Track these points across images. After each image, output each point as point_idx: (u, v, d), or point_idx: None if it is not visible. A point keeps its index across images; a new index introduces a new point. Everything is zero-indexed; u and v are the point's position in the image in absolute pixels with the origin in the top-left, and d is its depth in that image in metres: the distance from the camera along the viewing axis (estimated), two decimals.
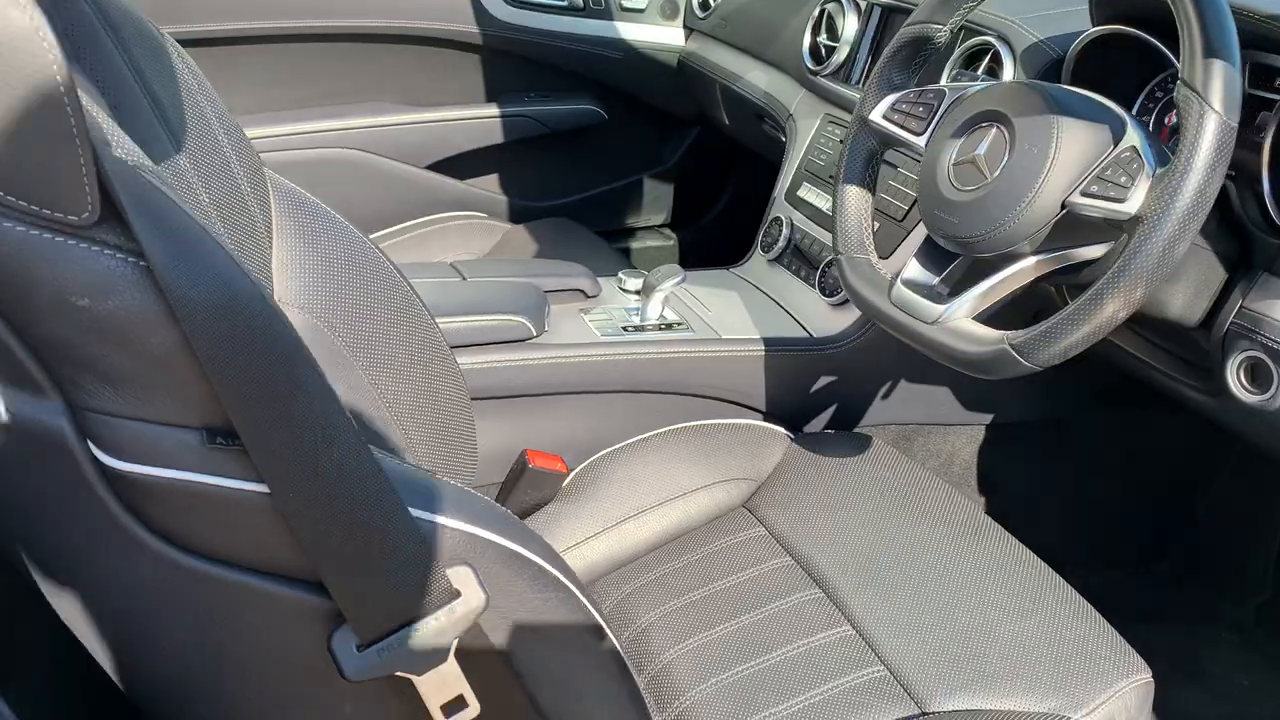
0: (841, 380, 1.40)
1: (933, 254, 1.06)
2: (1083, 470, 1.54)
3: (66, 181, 0.46)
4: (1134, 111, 1.22)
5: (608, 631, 0.72)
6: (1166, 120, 1.19)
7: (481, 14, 1.96)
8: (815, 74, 1.58)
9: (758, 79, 1.80)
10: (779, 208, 1.57)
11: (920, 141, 1.07)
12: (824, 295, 1.40)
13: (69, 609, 0.61)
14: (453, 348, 1.16)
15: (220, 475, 0.53)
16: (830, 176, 1.49)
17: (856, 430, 1.45)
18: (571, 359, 1.28)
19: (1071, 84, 1.20)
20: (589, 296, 1.41)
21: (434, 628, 0.62)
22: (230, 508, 0.54)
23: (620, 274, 1.46)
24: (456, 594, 0.62)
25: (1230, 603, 1.58)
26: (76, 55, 0.79)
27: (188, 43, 1.82)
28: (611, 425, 1.33)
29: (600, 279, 1.46)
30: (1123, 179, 0.88)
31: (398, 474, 0.60)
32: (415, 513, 0.59)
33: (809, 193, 1.52)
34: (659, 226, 2.34)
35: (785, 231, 1.52)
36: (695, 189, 2.32)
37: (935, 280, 1.05)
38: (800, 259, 1.49)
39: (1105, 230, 0.93)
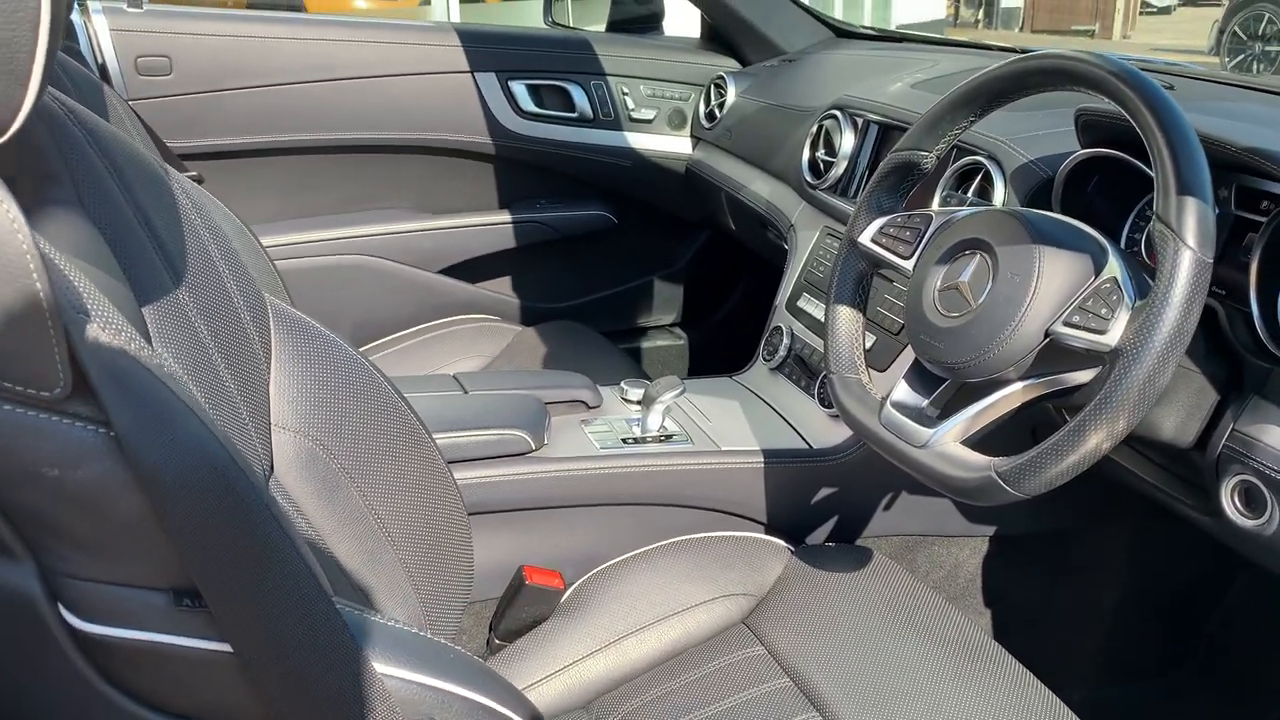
0: (842, 491, 1.40)
1: (922, 376, 1.07)
2: (1091, 581, 1.52)
3: (38, 360, 0.48)
4: (1125, 231, 1.24)
5: None
6: (1149, 234, 1.20)
7: (494, 126, 2.02)
8: (814, 187, 1.61)
9: (761, 189, 1.84)
10: (780, 317, 1.59)
11: (907, 265, 1.09)
12: (823, 406, 1.41)
13: None
14: (451, 463, 1.18)
15: (188, 636, 0.54)
16: (828, 288, 1.51)
17: (858, 542, 1.44)
18: (570, 472, 1.29)
19: (1062, 204, 1.23)
20: (590, 407, 1.42)
21: None
22: (198, 667, 0.55)
23: (622, 383, 1.47)
24: None
25: (1251, 716, 1.54)
26: (81, 200, 0.83)
27: (208, 155, 1.90)
28: (611, 538, 1.33)
29: (603, 388, 1.48)
30: (1103, 310, 0.89)
31: (367, 630, 0.60)
32: (382, 669, 0.60)
33: (808, 303, 1.54)
34: (669, 326, 2.37)
35: (786, 341, 1.53)
36: (705, 289, 2.35)
37: (924, 402, 1.06)
38: (801, 368, 1.50)
39: (1089, 357, 0.94)
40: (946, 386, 1.06)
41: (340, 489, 1.04)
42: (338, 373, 1.07)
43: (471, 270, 2.13)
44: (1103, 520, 1.48)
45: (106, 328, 0.58)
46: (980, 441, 1.01)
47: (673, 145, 2.14)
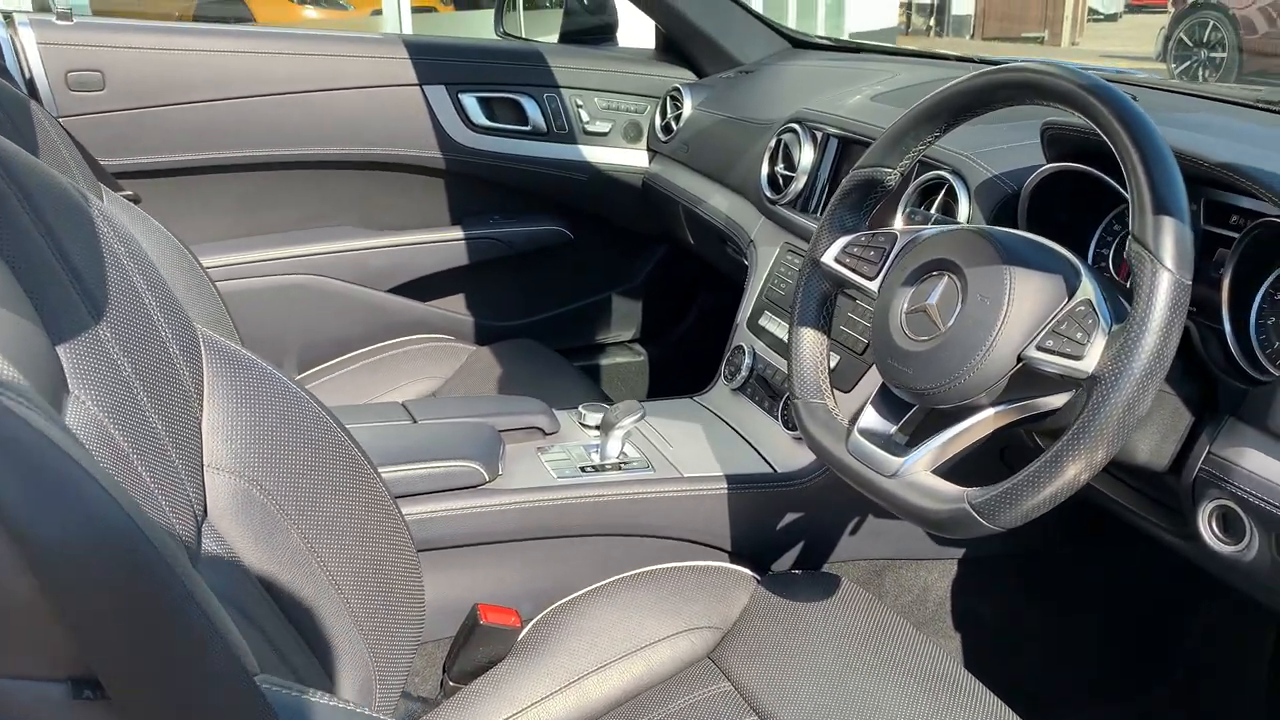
0: (808, 516, 1.36)
1: (889, 402, 1.03)
2: (1062, 603, 1.49)
3: None
4: (1093, 245, 1.22)
5: None
6: (1125, 256, 1.18)
7: (445, 140, 1.97)
8: (774, 203, 1.58)
9: (720, 203, 1.80)
10: (741, 335, 1.55)
11: (873, 286, 1.05)
12: (787, 429, 1.37)
13: None
14: (399, 497, 1.12)
15: None
16: (791, 306, 1.47)
17: (825, 568, 1.40)
18: (525, 504, 1.24)
19: (1028, 219, 1.20)
20: (547, 434, 1.37)
21: None
22: None
23: (580, 408, 1.42)
24: None
25: None
26: None
27: (145, 174, 1.83)
28: (570, 571, 1.28)
29: (560, 413, 1.43)
30: (1078, 335, 0.86)
31: (300, 713, 0.55)
32: None
33: (770, 322, 1.50)
34: (628, 342, 2.32)
35: (748, 361, 1.49)
36: (663, 304, 2.31)
37: (893, 429, 1.02)
38: (763, 389, 1.46)
39: (1064, 382, 0.91)
40: (915, 412, 1.02)
41: (280, 532, 0.98)
42: (275, 407, 1.01)
43: (423, 289, 2.07)
44: (1073, 541, 1.45)
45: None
46: (948, 475, 0.97)
47: (629, 158, 2.09)
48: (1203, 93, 1.41)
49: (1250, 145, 1.08)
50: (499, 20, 2.31)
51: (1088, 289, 0.89)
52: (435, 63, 1.94)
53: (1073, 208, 1.20)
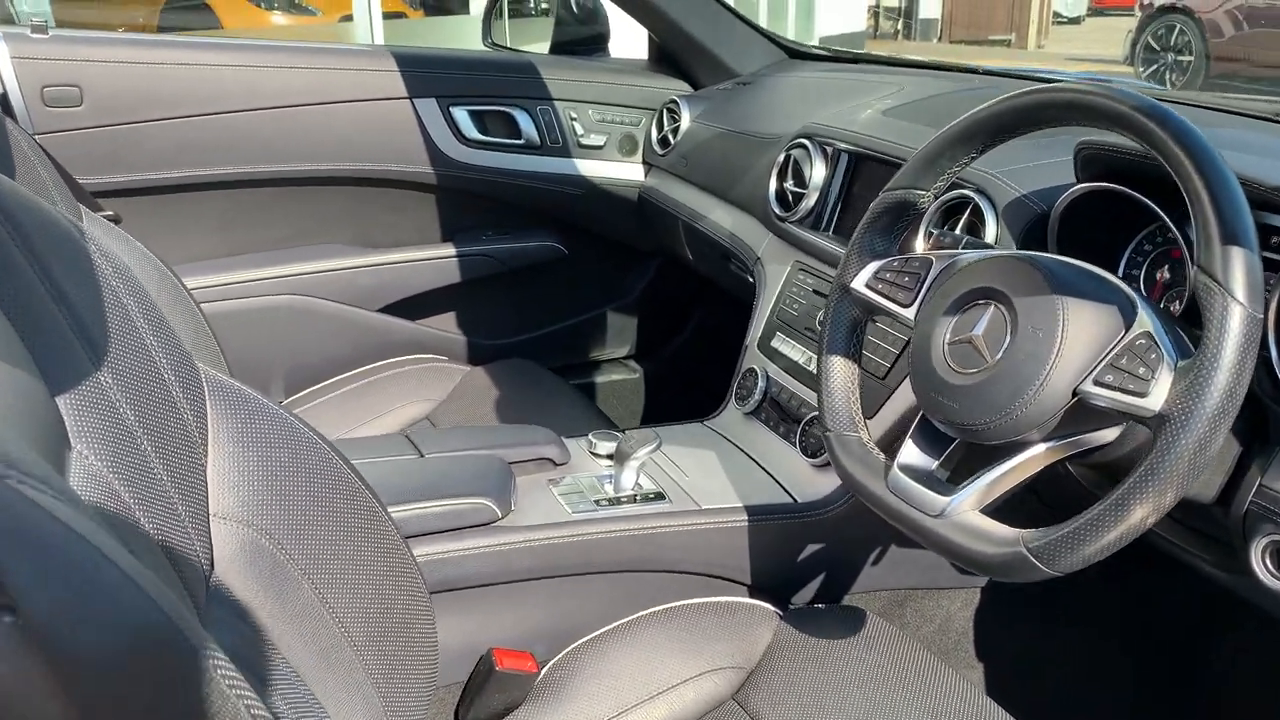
0: (830, 546, 1.31)
1: (930, 436, 0.98)
2: (1086, 629, 1.46)
3: None
4: (1122, 265, 1.18)
5: None
6: (1158, 276, 1.14)
7: (436, 154, 1.91)
8: (783, 220, 1.53)
9: (722, 219, 1.75)
10: (753, 358, 1.50)
11: (908, 314, 1.01)
12: (806, 456, 1.32)
13: None
14: (410, 537, 1.06)
15: None
16: (806, 328, 1.43)
17: (846, 599, 1.36)
18: (540, 542, 1.18)
19: (1059, 240, 1.16)
20: (557, 465, 1.31)
21: None
22: None
23: (590, 436, 1.37)
24: None
25: None
26: None
27: (125, 193, 1.76)
28: (587, 610, 1.23)
29: (569, 440, 1.37)
30: (1141, 370, 0.81)
31: None
32: None
33: (783, 344, 1.45)
34: (623, 359, 2.27)
35: (761, 384, 1.45)
36: (659, 319, 2.26)
37: (934, 464, 0.98)
38: (779, 413, 1.41)
39: (1118, 416, 0.87)
40: (956, 446, 0.98)
41: (290, 583, 0.92)
42: (283, 449, 0.95)
43: (414, 308, 2.01)
44: (1098, 565, 1.41)
45: (10, 469, 0.46)
46: (997, 514, 0.92)
47: (624, 172, 2.04)
48: (1228, 107, 1.38)
49: None
50: (487, 30, 2.25)
51: (1145, 321, 0.85)
52: (426, 75, 1.88)
53: (1101, 228, 1.16)
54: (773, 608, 1.22)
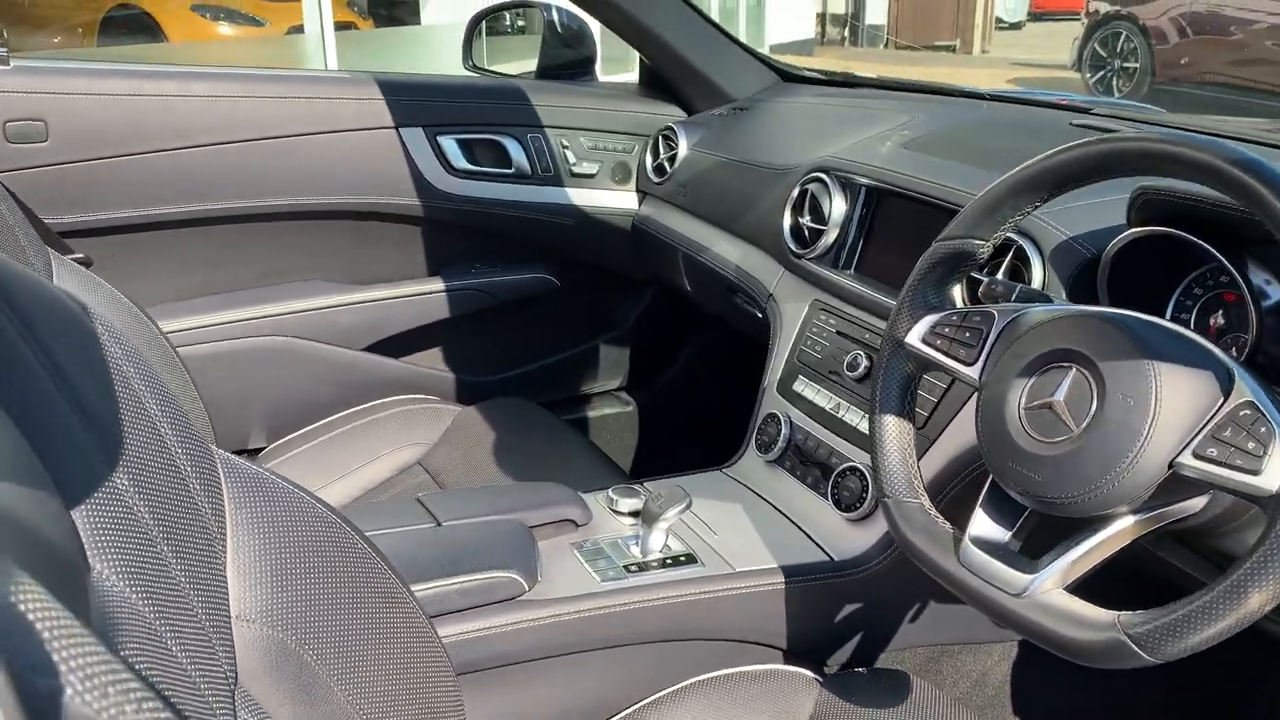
0: (867, 606, 1.25)
1: (1001, 505, 0.92)
2: (1125, 678, 1.41)
3: None
4: (1170, 310, 1.13)
5: None
6: (1212, 322, 1.10)
7: (422, 185, 1.82)
8: (800, 257, 1.47)
9: (727, 252, 1.69)
10: (772, 402, 1.44)
11: (970, 373, 0.95)
12: (841, 510, 1.26)
13: None
14: (434, 617, 0.98)
15: None
16: (831, 372, 1.36)
17: (883, 657, 1.30)
18: (571, 615, 1.11)
19: (1109, 286, 1.11)
20: (579, 525, 1.24)
21: None
22: None
23: (610, 492, 1.30)
24: None
25: None
26: None
27: (95, 232, 1.65)
28: (618, 684, 1.15)
29: (587, 495, 1.30)
30: (1250, 445, 0.76)
31: None
32: None
33: (807, 388, 1.39)
34: (616, 391, 2.20)
35: (784, 430, 1.38)
36: (651, 350, 2.19)
37: (1006, 536, 0.92)
38: (804, 462, 1.35)
39: (1217, 489, 0.81)
40: (1029, 516, 0.92)
41: (318, 686, 0.84)
42: (303, 536, 0.87)
43: (401, 346, 1.92)
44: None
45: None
46: (1081, 592, 0.87)
47: (618, 200, 1.97)
48: (1241, 135, 1.34)
49: None
50: (467, 53, 2.16)
51: (1246, 389, 0.79)
52: (412, 103, 1.79)
53: (1148, 272, 1.12)
54: (811, 674, 1.16)
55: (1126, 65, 9.44)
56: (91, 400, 0.71)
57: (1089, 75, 9.67)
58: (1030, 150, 1.35)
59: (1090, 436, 0.83)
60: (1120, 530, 0.85)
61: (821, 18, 16.59)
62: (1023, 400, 0.88)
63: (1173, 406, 0.80)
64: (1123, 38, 9.44)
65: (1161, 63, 9.17)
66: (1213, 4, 8.83)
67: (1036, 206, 0.96)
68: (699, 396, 2.20)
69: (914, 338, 1.00)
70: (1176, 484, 0.82)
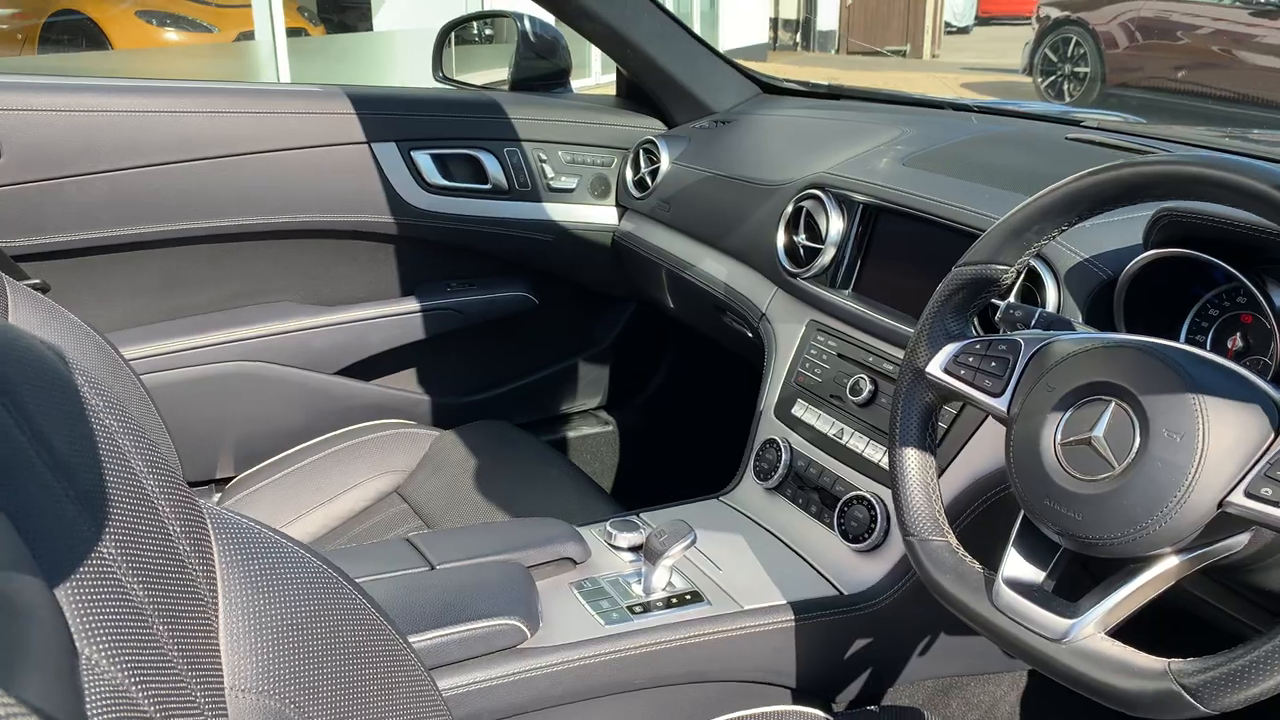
0: (877, 640, 1.21)
1: (1034, 544, 0.88)
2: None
3: None
4: (1184, 332, 1.10)
5: None
6: (1230, 344, 1.07)
7: (396, 202, 1.75)
8: (796, 276, 1.42)
9: (715, 269, 1.64)
10: (770, 427, 1.39)
11: (998, 405, 0.91)
12: (848, 540, 1.22)
13: None
14: (433, 668, 0.92)
15: None
16: (832, 396, 1.32)
17: (891, 691, 1.25)
18: (576, 663, 1.05)
19: (1125, 307, 1.08)
20: (577, 564, 1.18)
21: None
22: None
23: (608, 526, 1.24)
24: None
25: None
26: None
27: (51, 255, 1.56)
28: None
29: (583, 528, 1.25)
30: None
31: None
32: None
33: (806, 412, 1.35)
34: (595, 410, 2.14)
35: (784, 456, 1.34)
36: (631, 366, 2.14)
37: (1040, 576, 0.88)
38: (806, 490, 1.30)
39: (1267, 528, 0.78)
40: (1062, 555, 0.88)
41: None
42: (298, 595, 0.80)
43: (375, 368, 1.85)
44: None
45: None
46: (1125, 637, 0.83)
47: (597, 215, 1.92)
48: (1244, 149, 1.32)
49: None
50: (437, 64, 2.09)
51: None
52: (384, 118, 1.73)
53: (1165, 291, 1.08)
54: (822, 713, 1.11)
55: (1077, 70, 9.57)
56: (73, 461, 0.65)
57: (1040, 80, 9.78)
58: (1031, 166, 1.32)
59: (1134, 474, 0.79)
60: (1164, 571, 0.81)
61: (774, 23, 16.68)
62: (1058, 435, 0.84)
63: (1221, 443, 0.77)
64: (1073, 43, 9.56)
65: (1112, 68, 9.30)
66: (1160, 10, 8.97)
67: (1063, 230, 0.92)
68: (681, 414, 2.15)
69: (935, 367, 0.96)
70: (1223, 522, 0.78)
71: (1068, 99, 9.50)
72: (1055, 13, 9.84)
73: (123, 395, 1.32)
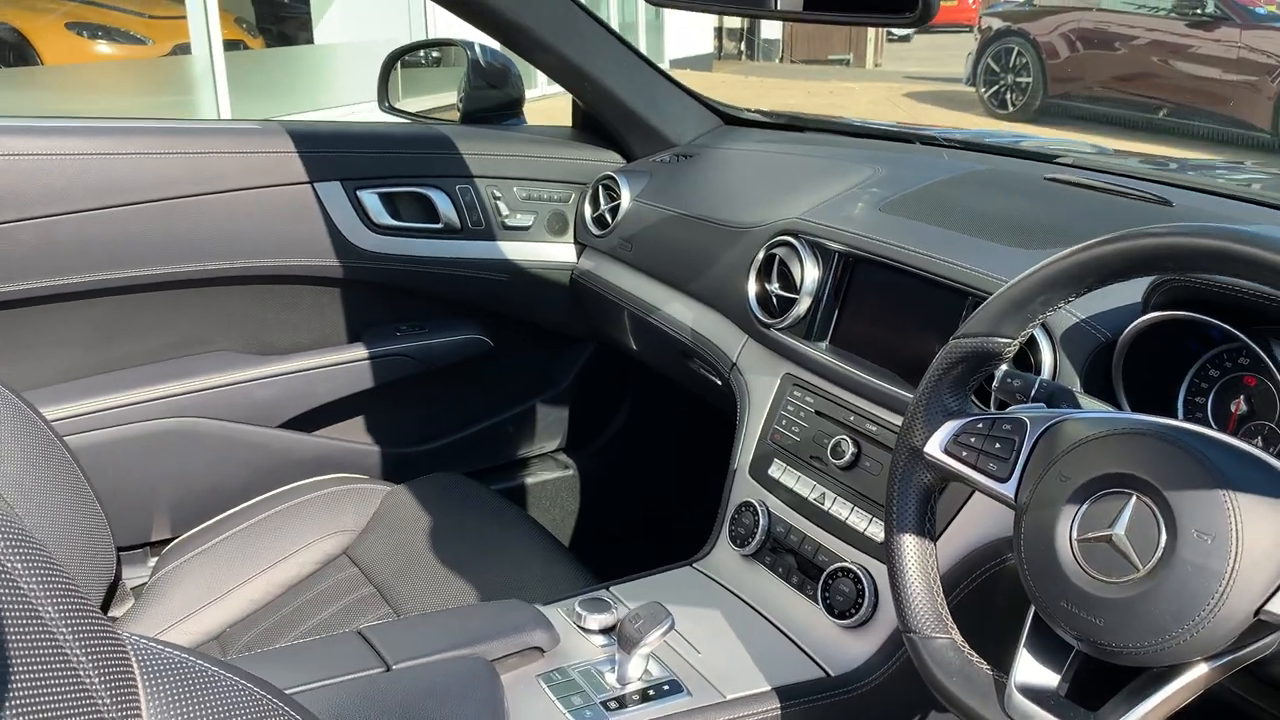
0: None
1: (1047, 646, 0.82)
2: None
3: None
4: (1181, 395, 1.05)
5: None
6: (1234, 407, 1.02)
7: (342, 245, 1.65)
8: (769, 326, 1.35)
9: (681, 314, 1.56)
10: (745, 488, 1.32)
11: (1004, 491, 0.84)
12: (833, 616, 1.14)
13: None
14: None
15: None
16: (813, 457, 1.25)
17: None
18: None
19: (1124, 371, 1.02)
20: (545, 652, 1.10)
21: None
22: None
23: (577, 607, 1.16)
24: None
25: None
26: None
27: None
28: None
29: (548, 608, 1.16)
30: None
31: None
32: None
33: (785, 474, 1.27)
34: (554, 453, 2.05)
35: (762, 521, 1.26)
36: (592, 407, 2.05)
37: (1055, 681, 0.81)
38: (786, 557, 1.23)
39: None
40: (1077, 656, 0.81)
41: None
42: (228, 713, 0.71)
43: (321, 420, 1.74)
44: None
45: None
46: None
47: (554, 253, 1.83)
48: (1242, 195, 1.28)
49: None
50: (383, 95, 2.00)
51: None
52: (328, 155, 1.63)
53: (1163, 354, 1.03)
54: None
55: (1019, 80, 9.68)
56: None
57: (983, 90, 9.89)
58: (1011, 211, 1.27)
59: (1161, 578, 0.73)
60: (1193, 680, 0.75)
61: (719, 32, 16.72)
62: (1074, 531, 0.78)
63: (1258, 545, 0.70)
64: (1015, 53, 9.67)
65: (1053, 77, 9.43)
66: (1100, 21, 9.11)
67: (1069, 301, 0.86)
68: (644, 455, 2.07)
69: (934, 447, 0.89)
70: (1259, 628, 0.72)
71: (1010, 108, 9.61)
72: (997, 23, 9.95)
73: (23, 486, 1.21)
